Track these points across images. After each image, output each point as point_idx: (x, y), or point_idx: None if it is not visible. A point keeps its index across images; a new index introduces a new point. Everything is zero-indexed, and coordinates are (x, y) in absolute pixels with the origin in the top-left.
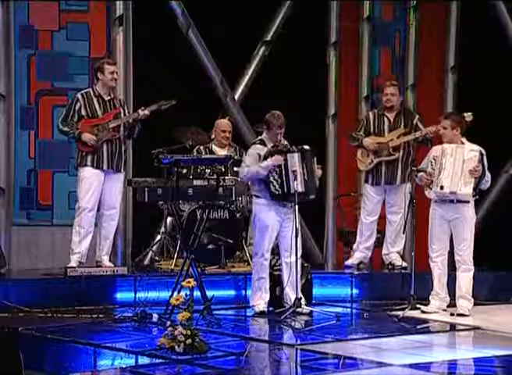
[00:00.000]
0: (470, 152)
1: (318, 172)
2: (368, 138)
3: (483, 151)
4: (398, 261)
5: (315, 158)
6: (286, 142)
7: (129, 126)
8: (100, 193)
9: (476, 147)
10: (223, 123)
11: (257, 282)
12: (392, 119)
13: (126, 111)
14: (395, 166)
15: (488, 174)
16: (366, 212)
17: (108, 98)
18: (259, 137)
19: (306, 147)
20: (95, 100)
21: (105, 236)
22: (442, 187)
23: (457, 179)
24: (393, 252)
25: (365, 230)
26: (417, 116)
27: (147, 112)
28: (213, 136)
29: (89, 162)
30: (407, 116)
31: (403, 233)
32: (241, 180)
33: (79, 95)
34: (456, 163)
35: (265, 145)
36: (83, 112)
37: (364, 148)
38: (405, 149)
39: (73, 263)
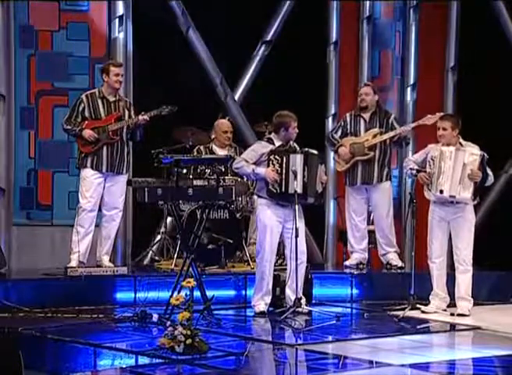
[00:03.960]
0: (470, 156)
1: (323, 178)
2: (343, 146)
3: (485, 155)
4: (395, 261)
5: (322, 165)
6: (295, 144)
7: (131, 130)
8: (101, 193)
9: (477, 150)
10: (224, 123)
11: (259, 282)
12: (367, 119)
13: (132, 113)
14: (371, 166)
15: (490, 173)
16: (352, 212)
17: (113, 99)
18: (268, 136)
19: (312, 151)
20: (99, 101)
21: (106, 236)
22: (441, 192)
23: (457, 183)
24: (391, 252)
25: (356, 232)
26: (393, 116)
27: (146, 117)
28: (213, 136)
29: (88, 164)
30: (382, 116)
31: (404, 231)
32: (232, 167)
33: (83, 96)
34: (456, 167)
35: (273, 144)
36: (87, 114)
37: (342, 146)
38: (381, 148)
39: (73, 263)
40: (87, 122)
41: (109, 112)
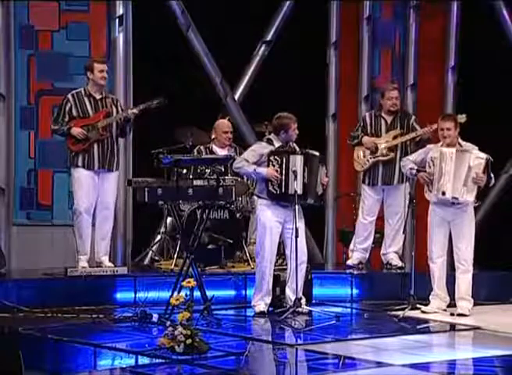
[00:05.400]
0: (476, 159)
1: (324, 180)
2: (367, 137)
3: (491, 159)
4: (395, 261)
5: (323, 167)
6: (294, 145)
7: (121, 126)
8: (96, 193)
9: (483, 154)
10: (225, 123)
11: (259, 282)
12: (389, 121)
13: (120, 109)
14: (392, 167)
15: (492, 176)
16: (365, 212)
17: (100, 96)
18: (267, 136)
19: (312, 152)
20: (86, 100)
21: (102, 236)
22: (443, 193)
23: (460, 185)
24: (391, 252)
25: (363, 231)
26: (414, 117)
27: (135, 111)
28: (213, 136)
29: (80, 163)
30: (403, 117)
31: (403, 232)
32: (232, 167)
33: (69, 96)
34: (459, 169)
35: (273, 145)
36: (75, 113)
37: (362, 145)
38: (402, 150)
39: (83, 263)
40: (75, 121)
41: (97, 110)
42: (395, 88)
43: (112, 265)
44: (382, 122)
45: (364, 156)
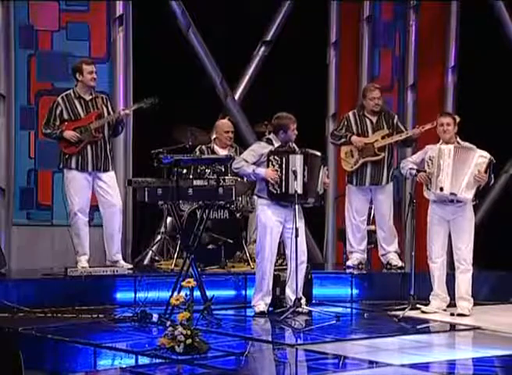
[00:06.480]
0: (480, 158)
1: (326, 181)
2: (355, 136)
3: (493, 160)
4: (395, 260)
5: (325, 167)
6: (294, 145)
7: (113, 126)
8: (90, 193)
9: (486, 154)
10: (225, 123)
11: (259, 282)
12: (374, 121)
13: (110, 108)
14: (380, 167)
15: (492, 176)
16: (354, 212)
17: (90, 97)
18: (267, 136)
19: (312, 151)
20: (76, 101)
21: (110, 234)
22: (441, 189)
23: (459, 182)
24: (391, 252)
25: (356, 232)
26: (396, 116)
27: (128, 111)
28: (214, 136)
29: (73, 165)
30: (387, 117)
31: (404, 231)
32: (231, 168)
33: (59, 99)
34: (460, 165)
35: (272, 145)
36: (66, 115)
37: (350, 145)
38: (389, 149)
39: (83, 263)
40: (66, 123)
41: (88, 111)
42: (376, 88)
43: (128, 265)
44: (368, 122)
45: (352, 156)
